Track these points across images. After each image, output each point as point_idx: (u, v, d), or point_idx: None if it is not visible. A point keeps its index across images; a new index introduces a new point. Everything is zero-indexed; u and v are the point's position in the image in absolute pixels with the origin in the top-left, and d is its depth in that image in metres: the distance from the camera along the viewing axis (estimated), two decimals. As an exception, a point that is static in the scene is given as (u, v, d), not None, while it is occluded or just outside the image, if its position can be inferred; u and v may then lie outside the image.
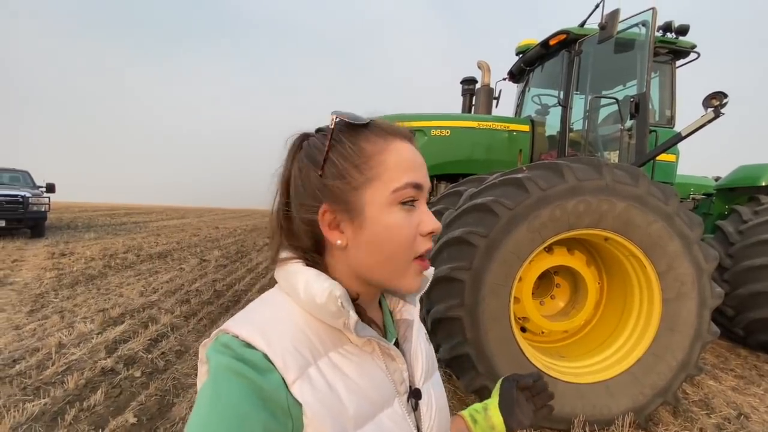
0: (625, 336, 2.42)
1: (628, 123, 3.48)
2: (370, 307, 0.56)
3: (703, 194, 5.01)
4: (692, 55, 4.00)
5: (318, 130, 0.54)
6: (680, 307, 2.27)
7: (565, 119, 3.85)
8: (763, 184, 4.07)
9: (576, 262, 2.57)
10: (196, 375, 1.57)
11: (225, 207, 42.06)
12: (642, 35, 3.38)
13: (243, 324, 0.46)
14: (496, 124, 4.11)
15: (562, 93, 3.89)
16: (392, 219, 0.48)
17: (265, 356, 0.43)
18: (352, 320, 0.46)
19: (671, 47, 3.84)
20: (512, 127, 4.13)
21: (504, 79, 5.30)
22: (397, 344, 0.58)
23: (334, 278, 0.49)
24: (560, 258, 2.54)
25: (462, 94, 5.38)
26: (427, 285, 0.59)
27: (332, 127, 0.49)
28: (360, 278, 0.51)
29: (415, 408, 0.54)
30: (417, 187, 0.49)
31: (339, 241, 0.49)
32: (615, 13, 3.11)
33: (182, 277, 5.84)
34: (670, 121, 3.93)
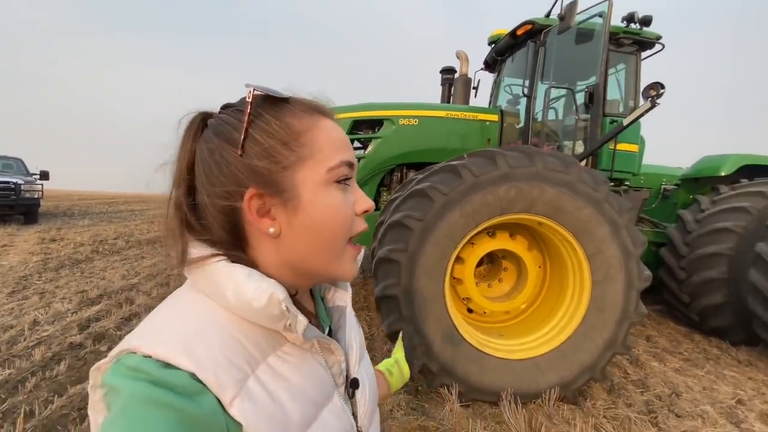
0: (559, 316, 2.54)
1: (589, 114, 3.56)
2: (303, 299, 0.53)
3: (675, 184, 5.10)
4: (657, 47, 4.05)
5: (226, 106, 0.48)
6: (608, 289, 2.38)
7: (529, 109, 3.93)
8: (723, 174, 4.14)
9: (516, 246, 2.68)
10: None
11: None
12: (600, 26, 3.44)
13: (155, 339, 0.38)
14: (465, 113, 4.19)
15: (527, 83, 3.97)
16: (330, 199, 0.45)
17: (192, 376, 0.36)
18: (300, 325, 0.43)
19: (635, 38, 3.89)
20: (481, 116, 4.20)
21: (482, 69, 5.36)
22: (330, 332, 0.56)
23: (267, 275, 0.44)
24: (501, 242, 2.65)
25: (441, 84, 5.45)
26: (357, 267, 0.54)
27: (250, 100, 0.43)
28: (293, 269, 0.47)
29: (352, 396, 0.53)
30: (350, 165, 0.47)
31: (272, 229, 0.44)
32: (573, 4, 3.17)
33: (166, 262, 5.98)
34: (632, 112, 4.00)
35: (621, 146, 3.86)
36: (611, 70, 4.20)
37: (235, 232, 0.46)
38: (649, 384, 2.87)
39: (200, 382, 0.36)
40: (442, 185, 2.30)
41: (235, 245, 0.46)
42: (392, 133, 3.95)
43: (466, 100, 5.00)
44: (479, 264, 2.79)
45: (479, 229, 2.36)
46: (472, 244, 2.62)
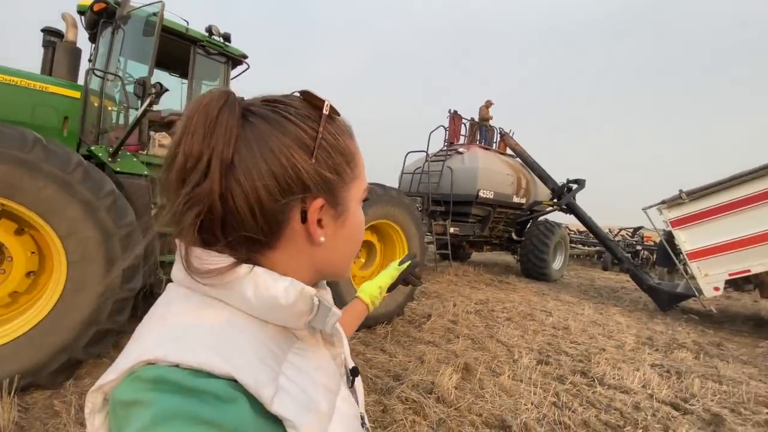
0: (42, 301, 2.45)
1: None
2: None
3: None
4: (244, 65, 4.79)
5: (272, 101, 0.45)
6: (86, 269, 2.48)
7: (102, 91, 3.73)
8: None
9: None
10: None
11: None
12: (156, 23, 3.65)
13: (180, 346, 0.34)
14: (33, 83, 3.51)
15: (99, 62, 3.77)
16: (360, 215, 0.50)
17: (229, 381, 0.34)
18: (335, 315, 0.46)
19: (221, 50, 4.43)
20: (55, 90, 3.64)
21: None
22: None
23: (284, 274, 0.43)
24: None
25: (43, 46, 4.44)
26: None
27: (326, 113, 0.45)
28: (317, 272, 0.48)
29: (352, 385, 0.55)
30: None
31: (323, 238, 0.45)
32: (127, -6, 3.18)
33: None
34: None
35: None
36: (209, 78, 4.64)
37: (272, 232, 0.43)
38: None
39: (237, 387, 0.34)
40: None
41: (262, 245, 0.43)
42: None
43: (72, 73, 4.29)
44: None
45: None
46: None
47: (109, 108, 4.07)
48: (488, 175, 7.68)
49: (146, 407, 0.30)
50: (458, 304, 5.65)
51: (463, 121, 8.65)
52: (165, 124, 4.19)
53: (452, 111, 8.53)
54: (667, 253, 7.42)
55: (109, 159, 3.17)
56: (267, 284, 0.40)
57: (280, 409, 0.36)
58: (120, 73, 3.81)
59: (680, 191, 6.01)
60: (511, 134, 9.04)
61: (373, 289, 0.96)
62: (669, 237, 6.79)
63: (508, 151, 9.09)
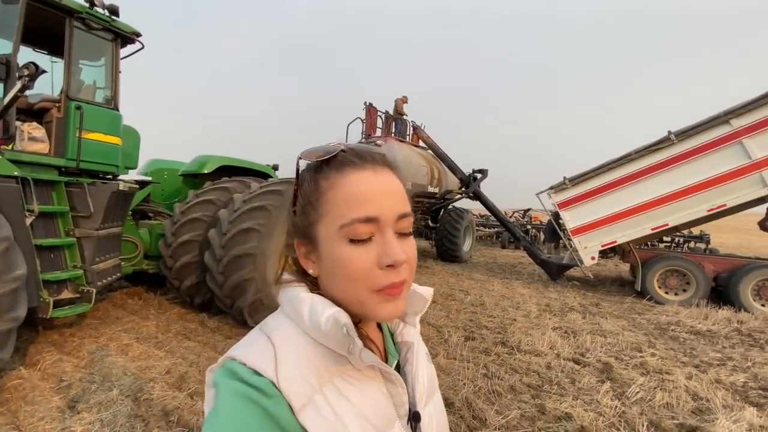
0: None
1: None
2: (370, 330, 0.56)
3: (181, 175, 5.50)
4: (138, 45, 4.15)
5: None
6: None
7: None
8: (206, 171, 4.93)
9: None
10: None
11: None
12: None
13: (249, 351, 0.47)
14: None
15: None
16: (340, 252, 0.48)
17: (272, 383, 0.43)
18: (357, 347, 0.46)
19: (106, 25, 3.75)
20: None
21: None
22: (398, 366, 0.59)
23: (337, 305, 0.49)
24: None
25: None
26: (427, 305, 0.61)
27: (297, 167, 0.53)
28: (340, 305, 0.50)
29: (414, 430, 0.55)
30: (369, 221, 0.47)
31: (311, 270, 0.53)
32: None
33: None
34: (110, 101, 3.90)
35: (93, 136, 3.64)
36: (91, 58, 3.91)
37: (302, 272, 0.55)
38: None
39: (277, 389, 0.43)
40: None
41: (314, 278, 0.53)
42: None
43: None
44: None
45: None
46: None
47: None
48: (406, 167, 7.96)
49: (219, 389, 0.44)
50: (386, 293, 5.81)
51: (379, 113, 8.79)
52: (35, 112, 3.43)
53: (368, 103, 8.59)
54: (554, 231, 8.66)
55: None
56: (317, 310, 0.48)
57: (305, 420, 0.43)
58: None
59: (564, 178, 7.03)
60: (422, 127, 9.49)
61: None
62: (556, 217, 7.91)
63: (420, 143, 9.54)
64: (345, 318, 0.46)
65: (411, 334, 0.61)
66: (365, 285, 0.47)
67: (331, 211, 0.48)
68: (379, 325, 0.60)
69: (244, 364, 0.45)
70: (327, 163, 0.50)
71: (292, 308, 0.50)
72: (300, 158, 0.52)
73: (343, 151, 0.50)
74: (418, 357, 0.60)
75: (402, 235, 0.50)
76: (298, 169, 0.53)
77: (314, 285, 0.53)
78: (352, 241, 0.47)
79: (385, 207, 0.48)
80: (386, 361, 0.57)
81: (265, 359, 0.45)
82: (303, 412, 0.43)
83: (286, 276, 0.55)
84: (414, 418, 0.54)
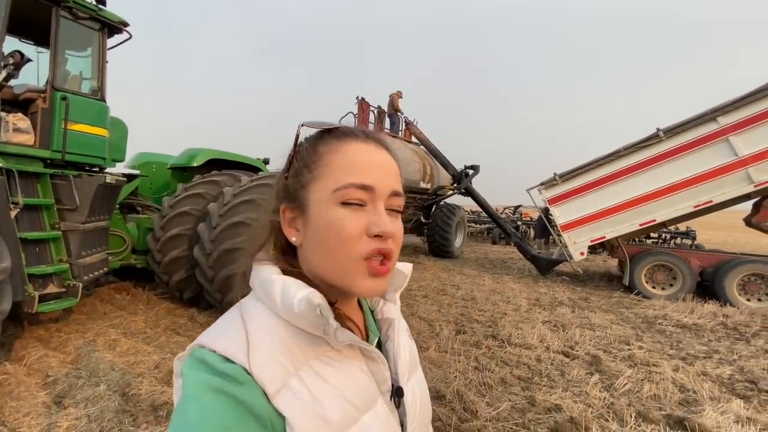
0: None
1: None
2: (349, 309, 0.54)
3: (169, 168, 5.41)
4: (125, 35, 4.06)
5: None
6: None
7: None
8: (195, 164, 4.87)
9: None
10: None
11: None
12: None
13: (219, 337, 0.46)
14: None
15: None
16: (332, 214, 0.47)
17: (244, 369, 0.42)
18: (331, 327, 0.45)
19: (93, 14, 3.67)
20: None
21: None
22: (380, 343, 0.59)
23: (312, 285, 0.48)
24: None
25: None
26: (406, 281, 0.61)
27: (297, 133, 0.53)
28: (319, 280, 0.50)
29: (398, 406, 0.54)
30: (364, 188, 0.47)
31: (294, 238, 0.51)
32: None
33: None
34: (96, 92, 3.82)
35: (80, 127, 3.56)
36: (77, 48, 3.82)
37: (286, 242, 0.53)
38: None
39: (250, 375, 0.42)
40: None
41: (292, 256, 0.54)
42: None
43: None
44: None
45: None
46: None
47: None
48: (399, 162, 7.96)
49: (187, 380, 0.42)
50: (378, 288, 5.81)
51: (371, 108, 8.76)
52: (20, 103, 3.34)
53: (360, 98, 8.56)
54: (544, 227, 8.73)
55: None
56: (290, 292, 0.46)
57: (280, 405, 0.42)
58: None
59: (554, 174, 7.09)
60: (415, 123, 9.48)
61: None
62: (546, 213, 7.99)
63: (413, 139, 9.53)
64: (318, 298, 0.45)
65: (392, 310, 0.61)
66: (353, 250, 0.46)
67: (326, 174, 0.48)
68: (359, 304, 0.60)
69: (214, 351, 0.43)
70: (329, 132, 0.51)
71: (264, 292, 0.49)
72: (302, 125, 0.52)
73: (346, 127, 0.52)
74: (399, 333, 0.60)
75: (392, 212, 0.50)
76: (297, 136, 0.53)
77: (290, 264, 0.52)
78: (344, 204, 0.46)
79: (381, 179, 0.48)
80: (367, 339, 0.56)
81: (236, 345, 0.44)
82: (278, 396, 0.42)
83: (259, 254, 0.54)
84: (397, 393, 0.54)
